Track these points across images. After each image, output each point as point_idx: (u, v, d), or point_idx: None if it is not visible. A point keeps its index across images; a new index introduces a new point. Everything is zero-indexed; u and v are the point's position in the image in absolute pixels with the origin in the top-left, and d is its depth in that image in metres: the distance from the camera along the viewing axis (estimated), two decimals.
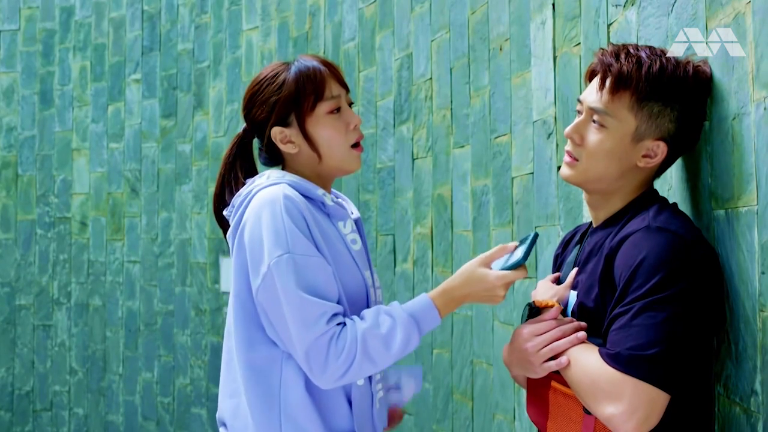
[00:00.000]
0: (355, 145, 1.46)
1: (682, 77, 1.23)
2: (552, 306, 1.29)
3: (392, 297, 3.09)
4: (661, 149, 1.25)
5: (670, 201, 1.33)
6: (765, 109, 1.09)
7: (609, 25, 1.80)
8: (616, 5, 1.75)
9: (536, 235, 1.37)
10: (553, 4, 2.12)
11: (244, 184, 1.47)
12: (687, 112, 1.25)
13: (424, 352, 2.91)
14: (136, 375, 4.35)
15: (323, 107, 1.42)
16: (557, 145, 2.10)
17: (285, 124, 1.43)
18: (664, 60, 1.23)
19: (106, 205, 4.51)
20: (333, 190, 1.54)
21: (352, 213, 1.52)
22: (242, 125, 1.53)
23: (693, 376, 1.17)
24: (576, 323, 1.26)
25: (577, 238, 1.47)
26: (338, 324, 1.32)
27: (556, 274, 1.46)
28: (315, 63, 1.44)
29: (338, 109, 1.44)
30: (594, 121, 1.27)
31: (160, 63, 4.39)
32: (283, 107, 1.42)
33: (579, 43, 1.99)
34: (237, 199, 1.44)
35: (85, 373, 4.50)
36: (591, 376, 1.16)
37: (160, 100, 4.38)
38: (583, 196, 1.39)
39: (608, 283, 1.22)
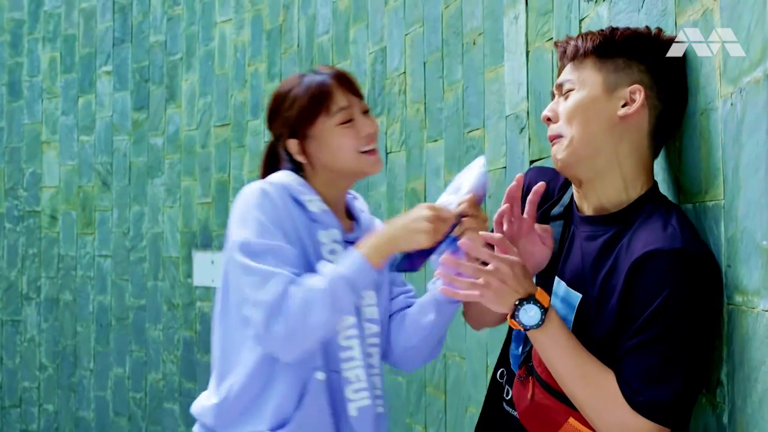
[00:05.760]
0: (368, 152, 1.52)
1: (639, 32, 1.25)
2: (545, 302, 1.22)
3: None
4: (639, 94, 1.20)
5: None
6: (732, 104, 1.10)
7: (581, 20, 1.82)
8: (588, 0, 1.76)
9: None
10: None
11: None
12: (656, 65, 1.22)
13: None
14: (108, 370, 4.31)
15: (333, 120, 1.50)
16: (530, 139, 2.11)
17: (300, 137, 1.52)
18: (616, 27, 1.27)
19: (77, 198, 4.46)
20: (358, 203, 1.62)
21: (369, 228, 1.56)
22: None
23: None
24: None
25: (560, 209, 1.37)
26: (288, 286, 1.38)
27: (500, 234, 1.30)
28: (323, 77, 1.52)
29: (350, 120, 1.51)
30: (563, 95, 1.26)
31: (132, 55, 4.34)
32: (296, 123, 1.51)
33: (551, 38, 2.00)
34: None
35: (55, 368, 4.45)
36: (610, 419, 1.15)
37: (131, 93, 4.33)
38: (573, 189, 1.32)
39: (626, 301, 1.17)
